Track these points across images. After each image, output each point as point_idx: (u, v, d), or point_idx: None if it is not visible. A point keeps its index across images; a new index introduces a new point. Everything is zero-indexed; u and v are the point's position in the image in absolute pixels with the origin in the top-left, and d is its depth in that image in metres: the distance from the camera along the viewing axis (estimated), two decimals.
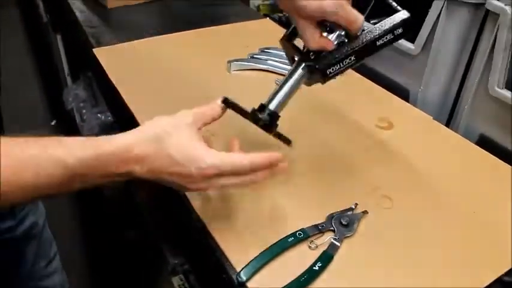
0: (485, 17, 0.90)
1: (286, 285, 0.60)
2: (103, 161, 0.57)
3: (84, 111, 2.00)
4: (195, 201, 0.73)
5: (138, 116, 0.91)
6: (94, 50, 1.17)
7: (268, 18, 1.48)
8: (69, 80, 2.10)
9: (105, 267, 1.79)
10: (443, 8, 0.94)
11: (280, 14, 1.59)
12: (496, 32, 0.86)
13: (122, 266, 1.67)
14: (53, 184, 0.54)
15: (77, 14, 1.40)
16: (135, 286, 1.60)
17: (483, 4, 0.89)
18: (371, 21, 1.21)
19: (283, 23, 1.52)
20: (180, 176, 0.59)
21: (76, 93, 1.98)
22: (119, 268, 1.70)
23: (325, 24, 0.68)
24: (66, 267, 1.11)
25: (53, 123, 2.43)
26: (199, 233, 0.70)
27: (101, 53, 1.15)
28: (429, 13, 0.98)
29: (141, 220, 1.60)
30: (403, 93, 1.08)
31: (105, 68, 1.08)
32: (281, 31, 1.35)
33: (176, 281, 1.34)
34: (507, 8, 0.82)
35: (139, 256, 1.60)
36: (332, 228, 0.69)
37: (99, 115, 1.92)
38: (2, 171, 0.49)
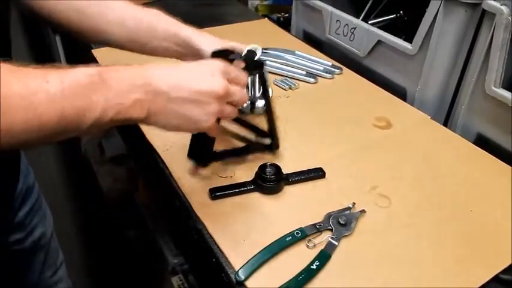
0: (482, 17, 0.91)
1: (284, 284, 0.61)
2: (125, 70, 0.57)
3: None
4: (194, 201, 0.74)
5: None
6: (93, 50, 1.17)
7: (266, 18, 1.48)
8: None
9: (105, 267, 1.80)
10: (441, 7, 0.95)
11: (279, 15, 1.59)
12: (493, 32, 0.86)
13: (122, 266, 1.68)
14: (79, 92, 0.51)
15: None
16: (135, 286, 1.60)
17: (480, 4, 0.89)
18: (369, 22, 1.22)
19: (282, 23, 1.53)
20: (192, 95, 0.59)
21: None
22: (119, 268, 1.70)
23: None
24: (66, 268, 1.11)
25: None
26: (198, 232, 0.70)
27: (100, 54, 1.16)
28: (426, 13, 0.98)
29: (141, 221, 1.61)
30: (400, 93, 1.08)
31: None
32: (280, 31, 1.37)
33: (175, 280, 1.35)
34: (503, 7, 0.83)
35: (139, 256, 1.60)
36: (330, 227, 0.70)
37: None
38: None
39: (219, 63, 0.63)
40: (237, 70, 0.66)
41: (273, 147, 0.83)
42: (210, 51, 0.75)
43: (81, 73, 0.52)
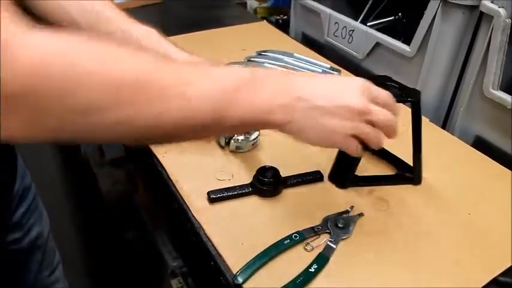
0: (480, 19, 0.91)
1: (282, 287, 0.61)
2: (272, 74, 0.58)
3: None
4: (193, 205, 0.74)
5: None
6: None
7: (265, 21, 1.49)
8: None
9: (104, 269, 1.80)
10: (439, 10, 0.95)
11: (278, 17, 1.59)
12: (490, 34, 0.86)
13: (121, 268, 1.68)
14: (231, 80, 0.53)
15: None
16: None
17: (478, 6, 0.89)
18: (368, 24, 1.22)
19: (281, 25, 1.53)
20: (335, 107, 0.58)
21: None
22: (117, 270, 1.70)
23: None
24: (65, 269, 1.11)
25: None
26: (196, 235, 0.70)
27: None
28: (424, 15, 0.98)
29: (140, 223, 1.61)
30: None
31: None
32: (278, 34, 1.37)
33: (175, 283, 1.35)
34: (501, 10, 0.83)
35: (138, 258, 1.60)
36: (328, 230, 0.70)
37: None
38: None
39: (362, 81, 0.62)
40: (381, 90, 0.63)
41: (415, 181, 0.81)
42: None
43: (234, 72, 0.54)
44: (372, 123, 0.61)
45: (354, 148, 0.62)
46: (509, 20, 0.83)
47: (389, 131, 0.63)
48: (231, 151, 0.85)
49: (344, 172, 0.79)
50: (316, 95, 0.58)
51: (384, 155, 0.86)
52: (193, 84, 0.50)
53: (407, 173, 0.81)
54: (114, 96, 0.44)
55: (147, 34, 0.79)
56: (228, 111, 0.53)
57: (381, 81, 0.76)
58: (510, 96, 0.87)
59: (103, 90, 0.43)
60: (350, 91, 0.60)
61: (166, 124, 0.49)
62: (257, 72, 0.56)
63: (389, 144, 0.85)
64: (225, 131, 0.56)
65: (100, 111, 0.44)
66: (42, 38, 0.41)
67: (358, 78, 0.62)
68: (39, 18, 0.75)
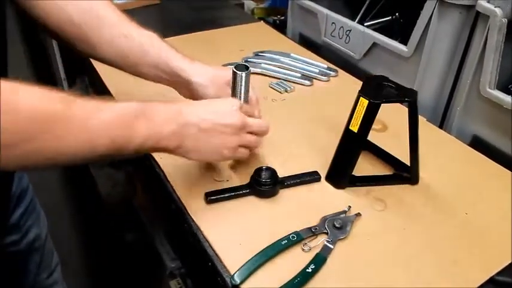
0: (476, 19, 0.91)
1: (280, 287, 0.61)
2: (161, 105, 0.65)
3: None
4: (191, 206, 0.74)
5: None
6: None
7: (262, 21, 1.49)
8: (65, 84, 2.10)
9: (103, 270, 1.79)
10: (435, 9, 0.95)
11: (275, 18, 1.59)
12: (487, 34, 0.87)
13: (121, 270, 1.68)
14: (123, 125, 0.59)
15: None
16: None
17: (474, 6, 0.89)
18: (365, 24, 1.23)
19: (278, 26, 1.53)
20: (218, 126, 0.68)
21: None
22: (117, 272, 1.70)
23: None
24: (64, 271, 1.11)
25: None
26: (194, 236, 0.70)
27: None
28: (421, 15, 0.98)
29: (139, 225, 1.61)
30: None
31: (100, 73, 1.09)
32: (276, 34, 1.37)
33: (174, 284, 1.35)
34: (497, 9, 0.83)
35: (137, 260, 1.60)
36: (325, 230, 0.70)
37: None
38: None
39: (235, 101, 0.73)
40: (246, 106, 0.76)
41: (413, 181, 0.81)
42: (201, 82, 0.80)
43: (127, 105, 0.60)
44: (250, 132, 0.73)
45: (242, 155, 0.73)
46: (505, 19, 0.83)
47: (264, 133, 0.76)
48: None
49: (341, 172, 0.79)
50: (202, 119, 0.67)
51: (382, 155, 0.86)
52: (94, 118, 0.56)
53: (405, 173, 0.81)
54: (26, 133, 0.50)
55: (150, 39, 0.80)
56: (126, 140, 0.59)
57: (378, 81, 0.76)
58: (507, 95, 0.87)
59: (15, 129, 0.49)
60: (229, 111, 0.70)
61: (70, 154, 0.55)
62: (148, 104, 0.63)
63: (387, 144, 0.86)
64: (125, 156, 0.62)
65: (13, 146, 0.49)
66: None
67: (231, 99, 0.75)
68: (37, 18, 0.76)
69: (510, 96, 0.88)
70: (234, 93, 0.77)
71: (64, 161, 0.56)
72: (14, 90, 0.49)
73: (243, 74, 0.75)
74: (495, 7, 0.84)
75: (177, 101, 0.70)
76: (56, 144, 0.53)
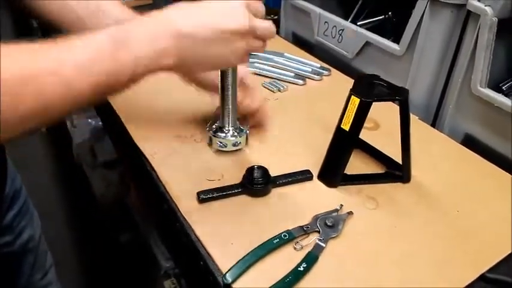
0: (467, 18, 0.91)
1: (272, 286, 0.61)
2: (146, 21, 0.56)
3: (74, 116, 2.00)
4: (183, 205, 0.74)
5: (126, 123, 0.91)
6: None
7: None
8: None
9: (98, 271, 1.79)
10: (427, 8, 0.95)
11: (268, 17, 1.59)
12: (478, 32, 0.87)
13: (115, 270, 1.68)
14: (104, 60, 0.52)
15: None
16: None
17: (465, 5, 0.89)
18: (358, 23, 1.23)
19: None
20: (219, 33, 0.59)
21: None
22: (112, 272, 1.70)
23: None
24: (59, 271, 1.11)
25: (43, 129, 2.43)
26: (186, 236, 0.70)
27: None
28: (413, 14, 0.99)
29: (133, 225, 1.61)
30: None
31: None
32: None
33: (168, 284, 1.35)
34: (487, 8, 0.83)
35: (132, 260, 1.60)
36: (317, 229, 0.70)
37: (89, 120, 1.92)
38: None
39: (240, 2, 0.61)
40: (256, 2, 0.63)
41: (404, 179, 0.81)
42: None
43: (103, 35, 0.52)
44: (258, 37, 0.63)
45: (245, 61, 0.66)
46: (496, 18, 0.83)
47: (270, 37, 0.66)
48: (217, 151, 0.85)
49: (333, 171, 0.79)
50: (199, 26, 0.57)
51: (374, 154, 0.86)
52: (66, 63, 0.49)
53: (397, 171, 0.82)
54: (5, 101, 0.44)
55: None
56: (114, 74, 0.52)
57: (369, 80, 0.77)
58: (498, 94, 0.87)
59: None
60: (234, 12, 0.60)
61: (64, 106, 0.50)
62: (126, 27, 0.55)
63: (379, 143, 0.86)
64: (123, 88, 0.56)
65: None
66: None
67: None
68: (41, 17, 0.74)
69: (501, 94, 0.89)
70: (222, 88, 0.77)
71: (53, 117, 0.51)
72: None
73: (230, 69, 0.76)
74: (485, 6, 0.84)
75: (165, 9, 0.58)
76: (37, 103, 0.48)
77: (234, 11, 0.60)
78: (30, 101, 0.47)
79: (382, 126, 0.96)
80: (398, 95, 0.75)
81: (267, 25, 0.64)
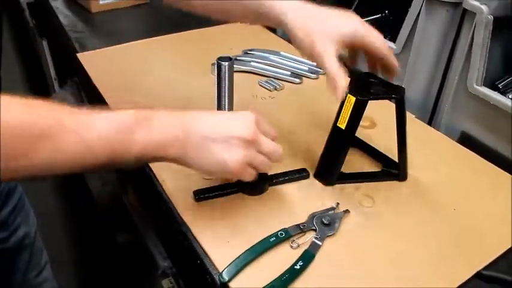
0: (463, 16, 0.91)
1: (268, 284, 0.61)
2: (165, 112, 0.62)
3: None
4: (179, 204, 0.74)
5: None
6: (78, 54, 1.17)
7: None
8: (56, 84, 2.10)
9: (95, 270, 1.79)
10: (423, 7, 0.96)
11: None
12: (473, 31, 0.87)
13: (112, 268, 1.67)
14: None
15: (61, 18, 1.40)
16: None
17: (461, 3, 0.90)
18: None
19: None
20: (224, 137, 0.62)
21: (64, 98, 1.98)
22: (109, 271, 1.70)
23: None
24: (55, 271, 1.11)
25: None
26: (182, 234, 0.70)
27: (85, 58, 1.16)
28: (409, 12, 0.99)
29: (131, 224, 1.60)
30: None
31: (89, 73, 1.08)
32: (265, 32, 1.37)
33: (166, 283, 1.35)
34: (483, 6, 0.84)
35: (129, 259, 1.60)
36: (314, 227, 0.70)
37: None
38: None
39: (251, 114, 0.65)
40: (268, 124, 0.68)
41: (401, 177, 0.82)
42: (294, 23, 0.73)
43: (123, 114, 0.59)
44: (260, 152, 0.66)
45: (249, 175, 0.66)
46: (491, 16, 0.84)
47: (276, 159, 0.68)
48: None
49: (330, 169, 0.79)
50: (207, 126, 0.63)
51: (370, 152, 0.87)
52: (89, 128, 0.55)
53: (393, 169, 0.82)
54: (17, 148, 0.50)
55: None
56: (124, 150, 0.58)
57: (365, 78, 0.77)
58: (494, 92, 0.88)
59: (6, 144, 0.48)
60: (242, 123, 0.64)
61: (73, 167, 0.55)
62: (149, 111, 0.61)
63: (375, 141, 0.87)
64: (127, 165, 0.61)
65: (8, 161, 0.49)
66: None
67: (249, 112, 0.66)
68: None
69: (497, 92, 0.89)
70: (218, 85, 0.78)
71: (61, 172, 0.55)
72: (3, 106, 0.49)
73: (226, 64, 0.76)
74: (481, 4, 0.84)
75: (186, 110, 0.65)
76: (51, 157, 0.52)
77: (241, 121, 0.64)
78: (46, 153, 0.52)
79: (379, 124, 0.96)
80: (394, 93, 0.75)
81: (273, 145, 0.67)
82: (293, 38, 0.74)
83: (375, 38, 0.74)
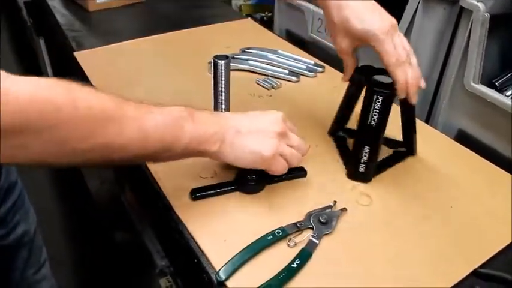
0: (460, 14, 0.91)
1: (265, 283, 0.61)
2: (205, 111, 0.68)
3: None
4: (176, 202, 0.74)
5: None
6: (74, 53, 1.17)
7: (249, 18, 1.49)
8: None
9: (93, 268, 1.79)
10: (419, 5, 0.96)
11: (262, 14, 1.59)
12: (470, 28, 0.87)
13: (110, 267, 1.68)
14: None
15: (58, 17, 1.40)
16: (124, 287, 1.60)
17: (457, 1, 0.90)
18: None
19: (265, 22, 1.53)
20: (257, 130, 0.69)
21: None
22: (107, 269, 1.70)
23: None
24: (54, 269, 1.11)
25: None
26: (179, 233, 0.70)
27: (82, 57, 1.15)
28: (406, 10, 0.99)
29: (129, 222, 1.60)
30: None
31: (86, 72, 1.08)
32: (263, 31, 1.37)
33: (164, 282, 1.35)
34: (480, 4, 0.84)
35: (127, 258, 1.60)
36: (311, 226, 0.70)
37: None
38: None
39: (279, 112, 0.72)
40: (290, 123, 0.75)
41: (414, 152, 0.86)
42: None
43: (177, 108, 0.64)
44: (290, 146, 0.72)
45: (281, 166, 0.71)
46: (488, 14, 0.84)
47: (303, 153, 0.74)
48: None
49: (368, 167, 0.80)
50: (242, 122, 0.69)
51: None
52: (146, 118, 0.60)
53: (401, 148, 0.86)
54: (84, 129, 0.53)
55: None
56: (175, 141, 0.63)
57: (364, 71, 0.77)
58: (491, 89, 0.88)
59: (75, 126, 0.52)
60: (272, 119, 0.71)
61: (129, 152, 0.59)
62: (192, 109, 0.66)
63: None
64: (170, 158, 0.66)
65: (73, 142, 0.53)
66: (27, 81, 0.49)
67: (277, 112, 0.73)
68: None
69: (494, 90, 0.89)
70: (215, 83, 0.78)
71: (117, 159, 0.59)
72: (70, 90, 0.53)
73: (223, 63, 0.76)
74: (478, 2, 0.84)
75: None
76: (111, 141, 0.56)
77: (272, 117, 0.71)
78: (109, 137, 0.56)
79: None
80: None
81: (300, 140, 0.74)
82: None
83: (386, 50, 0.73)
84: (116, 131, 0.56)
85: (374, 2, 0.75)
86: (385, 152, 0.86)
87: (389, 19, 0.74)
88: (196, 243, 0.67)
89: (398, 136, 0.87)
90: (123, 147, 0.58)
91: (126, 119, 0.57)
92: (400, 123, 0.84)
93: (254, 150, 0.68)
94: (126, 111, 0.58)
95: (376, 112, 0.75)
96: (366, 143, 0.78)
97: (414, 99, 0.75)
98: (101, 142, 0.55)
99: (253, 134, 0.68)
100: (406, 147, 0.83)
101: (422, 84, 0.76)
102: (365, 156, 0.79)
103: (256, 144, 0.68)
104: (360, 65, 0.81)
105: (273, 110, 0.73)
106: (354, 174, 0.81)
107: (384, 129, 0.77)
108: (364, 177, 0.80)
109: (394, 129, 0.84)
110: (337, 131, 0.89)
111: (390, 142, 0.88)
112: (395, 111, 0.79)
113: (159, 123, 0.61)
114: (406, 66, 0.73)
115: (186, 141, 0.63)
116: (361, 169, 0.80)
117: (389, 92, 0.73)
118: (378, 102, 0.74)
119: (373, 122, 0.75)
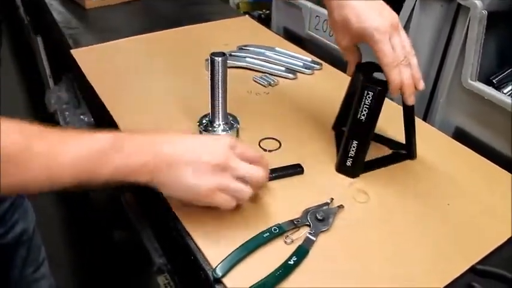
0: (458, 11, 0.91)
1: (262, 280, 0.61)
2: (138, 137, 0.62)
3: (67, 113, 1.99)
4: (173, 200, 0.73)
5: (116, 118, 0.91)
6: (71, 51, 1.17)
7: (247, 15, 1.48)
8: (51, 82, 2.09)
9: (91, 267, 1.79)
10: (417, 2, 0.96)
11: (260, 11, 1.59)
12: (468, 26, 0.87)
13: (109, 265, 1.67)
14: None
15: (55, 15, 1.40)
16: (122, 286, 1.60)
17: None
18: None
19: (263, 20, 1.53)
20: (194, 163, 0.62)
21: (59, 96, 1.97)
22: (105, 268, 1.70)
23: None
24: (53, 268, 1.11)
25: None
26: (176, 231, 0.70)
27: (79, 54, 1.15)
28: (403, 7, 0.99)
29: (127, 221, 1.60)
30: None
31: (83, 70, 1.08)
32: (260, 28, 1.37)
33: (162, 280, 1.35)
34: (477, 2, 0.84)
35: (125, 256, 1.60)
36: (308, 223, 0.70)
37: (82, 117, 1.91)
38: None
39: (226, 138, 0.66)
40: (247, 147, 0.68)
41: (413, 156, 0.85)
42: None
43: (98, 139, 0.59)
44: (239, 178, 0.64)
45: (226, 202, 0.65)
46: (485, 11, 0.83)
47: (256, 184, 0.67)
48: None
49: (355, 162, 0.80)
50: (176, 152, 0.62)
51: (374, 138, 0.88)
52: (57, 153, 0.55)
53: (401, 150, 0.85)
54: None
55: None
56: (92, 174, 0.58)
57: (365, 68, 0.77)
58: (488, 87, 0.88)
59: None
60: (214, 148, 0.64)
61: (33, 188, 0.56)
62: (120, 135, 0.61)
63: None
64: (99, 187, 0.60)
65: None
66: None
67: (225, 136, 0.67)
68: None
69: (492, 87, 0.89)
70: (212, 80, 0.78)
71: (29, 192, 0.58)
72: None
73: (220, 60, 0.76)
74: None
75: (160, 130, 0.65)
76: (16, 179, 0.53)
77: (214, 146, 0.64)
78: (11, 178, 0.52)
79: None
80: None
81: (252, 169, 0.66)
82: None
83: (382, 50, 0.72)
84: (17, 172, 0.53)
85: (378, 1, 0.74)
86: (385, 152, 0.86)
87: (389, 19, 0.72)
88: (193, 241, 0.67)
89: (402, 138, 0.87)
90: (30, 184, 0.55)
91: (33, 156, 0.53)
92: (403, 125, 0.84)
93: (189, 186, 0.62)
94: (34, 147, 0.53)
95: (366, 107, 0.74)
96: (355, 138, 0.78)
97: (410, 100, 0.74)
98: (5, 182, 0.52)
99: (190, 166, 0.62)
100: (406, 150, 0.83)
101: (421, 86, 0.74)
102: (352, 150, 0.78)
103: (191, 179, 0.62)
104: (364, 61, 0.81)
105: (221, 136, 0.68)
106: (340, 168, 0.81)
107: (374, 125, 0.77)
108: (351, 172, 0.80)
109: (398, 131, 0.84)
110: (340, 125, 0.89)
111: (391, 143, 0.87)
112: (399, 111, 0.79)
113: (74, 158, 0.56)
114: (402, 67, 0.71)
115: (107, 174, 0.59)
116: (348, 163, 0.80)
117: (380, 88, 0.73)
118: (369, 97, 0.74)
119: (362, 117, 0.75)
